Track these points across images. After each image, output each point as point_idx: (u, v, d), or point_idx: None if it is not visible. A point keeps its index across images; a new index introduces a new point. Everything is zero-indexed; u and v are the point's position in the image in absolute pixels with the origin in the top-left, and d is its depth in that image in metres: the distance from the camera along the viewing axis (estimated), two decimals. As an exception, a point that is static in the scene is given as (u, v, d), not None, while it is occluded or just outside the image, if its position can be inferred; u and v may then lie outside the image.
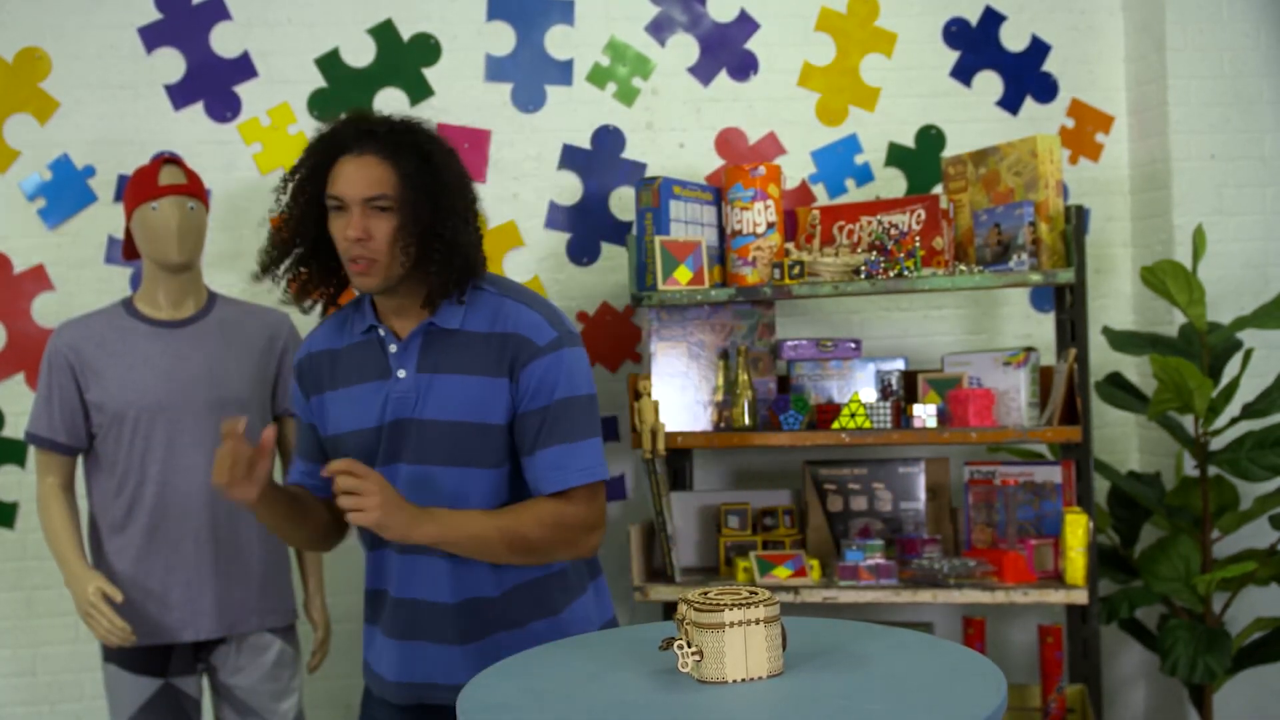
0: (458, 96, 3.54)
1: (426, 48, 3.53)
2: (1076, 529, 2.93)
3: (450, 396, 2.01)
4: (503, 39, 3.56)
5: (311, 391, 2.15)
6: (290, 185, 2.07)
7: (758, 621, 1.43)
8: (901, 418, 3.09)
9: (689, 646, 1.43)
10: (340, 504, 1.88)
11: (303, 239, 2.06)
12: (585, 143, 3.58)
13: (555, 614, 2.09)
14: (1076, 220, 3.01)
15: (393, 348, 2.06)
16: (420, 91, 3.53)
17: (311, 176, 2.04)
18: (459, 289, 2.04)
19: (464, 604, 2.03)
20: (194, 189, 2.71)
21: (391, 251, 1.98)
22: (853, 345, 3.25)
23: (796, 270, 3.10)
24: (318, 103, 3.49)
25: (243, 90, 3.47)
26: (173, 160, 2.74)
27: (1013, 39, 3.66)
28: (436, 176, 2.01)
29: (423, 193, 1.99)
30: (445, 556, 2.01)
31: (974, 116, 3.64)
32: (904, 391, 3.23)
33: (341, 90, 3.50)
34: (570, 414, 2.04)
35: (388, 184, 1.98)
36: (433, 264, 2.00)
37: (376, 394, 2.05)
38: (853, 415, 3.05)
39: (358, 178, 1.98)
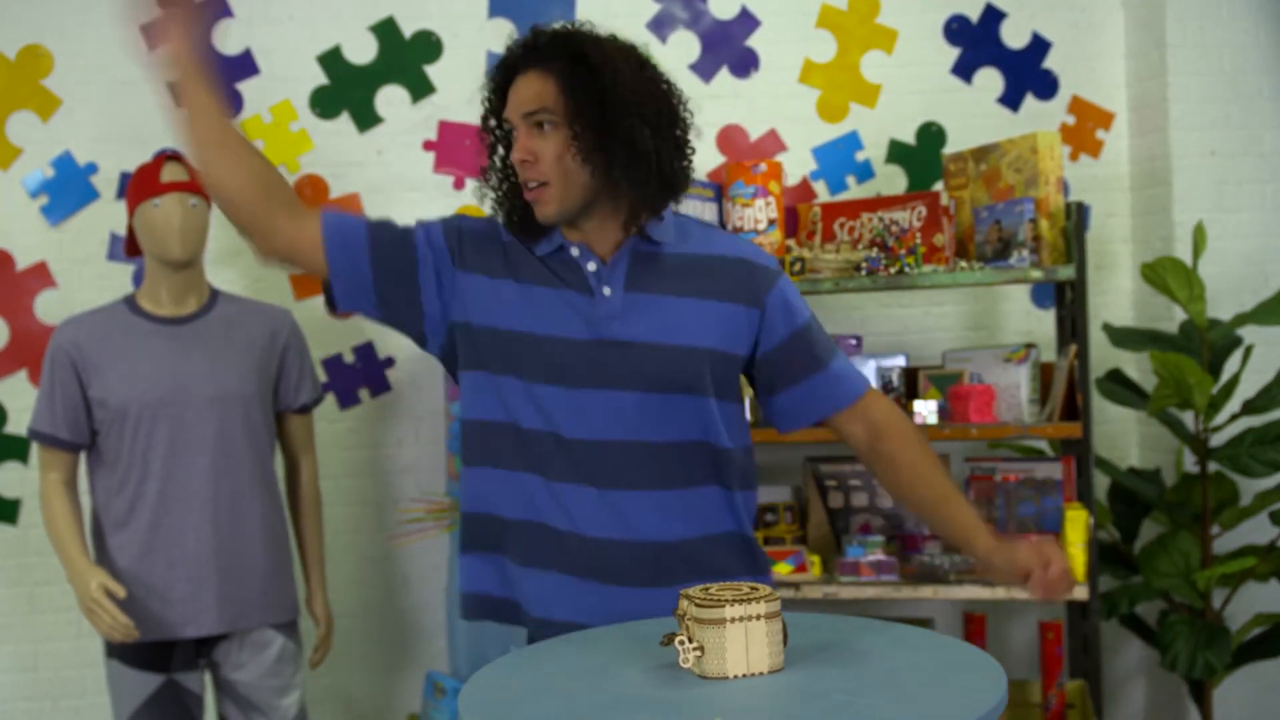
0: (459, 94, 3.54)
1: (428, 45, 3.53)
2: (1077, 525, 2.93)
3: (669, 318, 1.85)
4: (504, 36, 3.56)
5: (467, 265, 1.91)
6: (481, 118, 1.94)
7: (759, 617, 1.43)
8: (902, 414, 3.10)
9: (690, 642, 1.44)
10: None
11: (498, 177, 1.93)
12: (586, 139, 3.57)
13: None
14: (1077, 217, 3.01)
15: (591, 265, 1.87)
16: (422, 88, 3.53)
17: (490, 109, 1.92)
18: (662, 203, 1.88)
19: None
20: (196, 186, 2.72)
21: (562, 172, 1.82)
22: (854, 342, 3.26)
23: (797, 267, 3.10)
24: (319, 100, 3.49)
25: (244, 87, 3.48)
26: (175, 157, 2.75)
27: (1013, 36, 3.66)
28: (598, 78, 1.81)
29: (586, 100, 1.80)
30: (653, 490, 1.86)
31: (975, 113, 3.64)
32: (905, 388, 3.24)
33: (343, 87, 3.50)
34: (821, 330, 1.98)
35: (546, 95, 1.81)
36: (624, 178, 1.82)
37: (573, 304, 1.86)
38: (853, 412, 3.05)
39: (518, 96, 1.84)
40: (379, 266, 1.89)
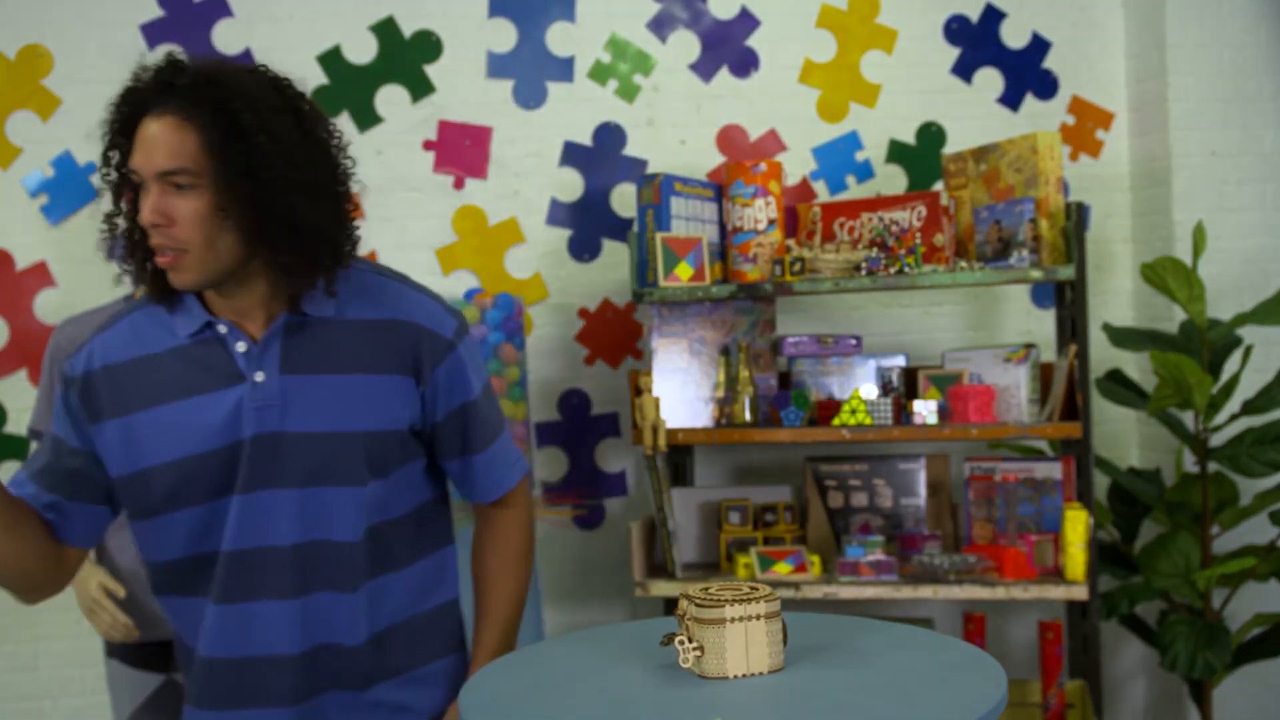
0: (459, 93, 3.54)
1: (428, 45, 3.53)
2: (1076, 525, 2.93)
3: (331, 400, 1.66)
4: (504, 36, 3.56)
5: (100, 415, 1.68)
6: (101, 154, 1.67)
7: (758, 617, 1.43)
8: (902, 414, 3.10)
9: (690, 642, 1.44)
10: None
11: (126, 220, 1.67)
12: (586, 139, 3.58)
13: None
14: (1077, 217, 3.01)
15: (240, 346, 1.65)
16: (422, 88, 3.53)
17: (114, 143, 1.65)
18: (323, 280, 1.65)
19: (314, 652, 1.71)
20: (196, 186, 2.71)
21: (203, 238, 1.58)
22: (853, 341, 3.26)
23: (797, 267, 3.10)
24: (319, 99, 3.49)
25: (244, 87, 3.48)
26: (175, 157, 2.74)
27: (1013, 36, 3.66)
28: (250, 139, 1.56)
29: (236, 161, 1.56)
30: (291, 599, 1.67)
31: (975, 113, 3.64)
32: (905, 388, 3.24)
33: (343, 87, 3.50)
34: (489, 408, 1.80)
35: (186, 153, 1.56)
36: (275, 251, 1.61)
37: (219, 406, 1.64)
38: (853, 412, 3.05)
39: (152, 146, 1.58)
40: (77, 495, 1.71)
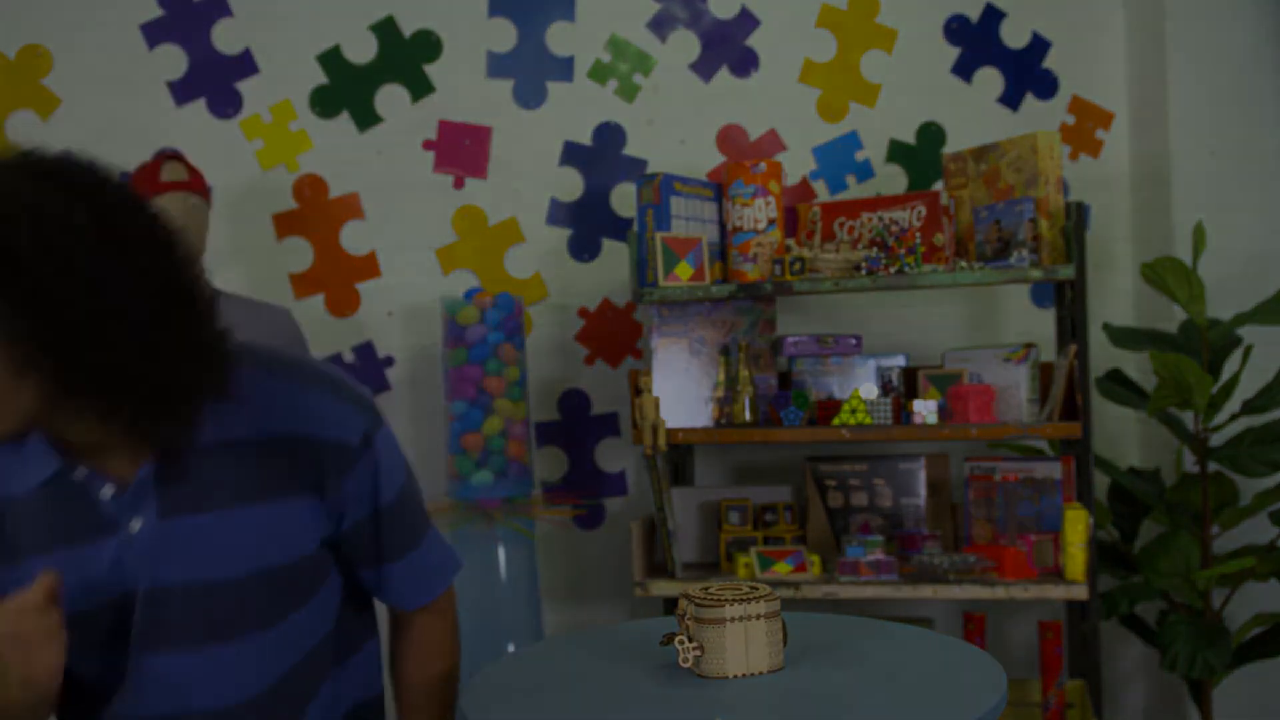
0: (459, 93, 3.54)
1: (428, 44, 3.53)
2: (1076, 525, 2.93)
3: (225, 541, 1.40)
4: (504, 35, 3.56)
5: None
6: None
7: (758, 617, 1.43)
8: (902, 414, 3.10)
9: (690, 642, 1.44)
10: None
11: None
12: (586, 139, 3.58)
13: None
14: (1077, 216, 3.01)
15: (106, 492, 1.39)
16: (421, 88, 3.53)
17: None
18: (175, 420, 1.34)
19: None
20: (196, 185, 2.72)
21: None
22: (853, 341, 3.26)
23: (797, 267, 3.10)
24: (319, 99, 3.50)
25: (244, 87, 3.48)
26: (174, 157, 2.75)
27: (1013, 35, 3.66)
28: (34, 272, 1.21)
29: (18, 303, 1.22)
30: None
31: (975, 113, 3.64)
32: (904, 388, 3.24)
33: (343, 87, 3.51)
34: (407, 511, 1.57)
35: None
36: (95, 403, 1.29)
37: (92, 561, 1.39)
38: (853, 411, 3.05)
39: None
40: None
